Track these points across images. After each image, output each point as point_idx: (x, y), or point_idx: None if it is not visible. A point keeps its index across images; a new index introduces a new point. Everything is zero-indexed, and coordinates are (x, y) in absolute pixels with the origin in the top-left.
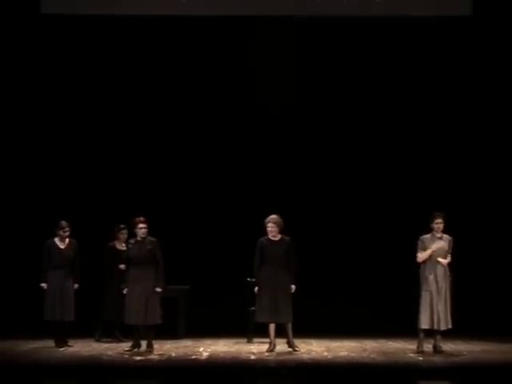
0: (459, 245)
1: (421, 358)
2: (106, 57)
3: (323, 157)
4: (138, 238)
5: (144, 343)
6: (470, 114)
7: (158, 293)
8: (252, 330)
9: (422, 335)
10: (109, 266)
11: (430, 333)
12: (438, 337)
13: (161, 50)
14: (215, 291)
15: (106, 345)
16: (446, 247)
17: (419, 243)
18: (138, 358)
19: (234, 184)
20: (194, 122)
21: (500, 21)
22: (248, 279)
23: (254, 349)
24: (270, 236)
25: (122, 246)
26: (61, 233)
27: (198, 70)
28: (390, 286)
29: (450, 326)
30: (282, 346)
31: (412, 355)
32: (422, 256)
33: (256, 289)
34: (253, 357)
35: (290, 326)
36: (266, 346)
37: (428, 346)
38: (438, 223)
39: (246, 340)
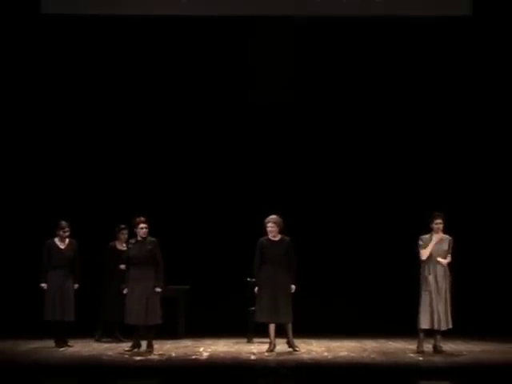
0: (459, 245)
1: (421, 358)
2: (106, 57)
3: (323, 157)
4: (139, 238)
5: (144, 343)
6: (470, 113)
7: (158, 293)
8: (252, 330)
9: (421, 335)
10: (109, 266)
11: (430, 333)
12: (438, 337)
13: (161, 50)
14: (215, 291)
15: (106, 345)
16: (446, 247)
17: (420, 242)
18: (138, 358)
19: (234, 184)
20: (194, 122)
21: (500, 21)
22: (248, 279)
23: (254, 349)
24: (269, 236)
25: (122, 246)
26: (61, 233)
27: (198, 70)
28: (390, 286)
29: (450, 326)
30: (282, 346)
31: (412, 355)
32: (424, 252)
33: (256, 289)
34: (253, 357)
35: (290, 326)
36: (266, 346)
37: (428, 346)
38: (438, 223)
39: (246, 340)
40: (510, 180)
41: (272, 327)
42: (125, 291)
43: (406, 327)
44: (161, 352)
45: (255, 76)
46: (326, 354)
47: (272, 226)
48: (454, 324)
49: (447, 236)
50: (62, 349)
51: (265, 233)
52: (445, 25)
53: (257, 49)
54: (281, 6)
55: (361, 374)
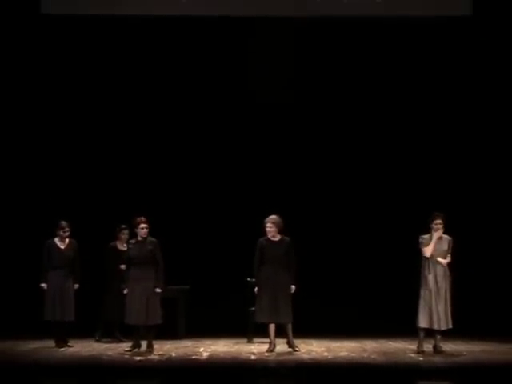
0: (459, 245)
1: (421, 358)
2: (106, 57)
3: (323, 157)
4: (139, 238)
5: (144, 343)
6: (470, 113)
7: (159, 293)
8: (252, 330)
9: (421, 335)
10: (110, 266)
11: (430, 333)
12: (438, 337)
13: (161, 50)
14: (215, 291)
15: (106, 345)
16: (446, 247)
17: (421, 240)
18: (138, 358)
19: (234, 184)
20: (194, 123)
21: (500, 21)
22: (248, 279)
23: (254, 349)
24: (269, 236)
25: (123, 246)
26: (61, 233)
27: (198, 70)
28: (390, 286)
29: (450, 326)
30: (282, 346)
31: (412, 355)
32: (427, 249)
33: (256, 289)
34: (253, 357)
35: (290, 326)
36: (266, 346)
37: (428, 346)
38: (438, 223)
39: (246, 340)
40: (509, 180)
41: (272, 327)
42: (125, 291)
43: (405, 327)
44: (161, 352)
45: (255, 76)
46: (326, 354)
47: (270, 227)
48: (453, 324)
49: (447, 236)
50: (62, 349)
51: (264, 233)
52: (445, 25)
53: (257, 49)
54: (281, 6)
55: (361, 374)
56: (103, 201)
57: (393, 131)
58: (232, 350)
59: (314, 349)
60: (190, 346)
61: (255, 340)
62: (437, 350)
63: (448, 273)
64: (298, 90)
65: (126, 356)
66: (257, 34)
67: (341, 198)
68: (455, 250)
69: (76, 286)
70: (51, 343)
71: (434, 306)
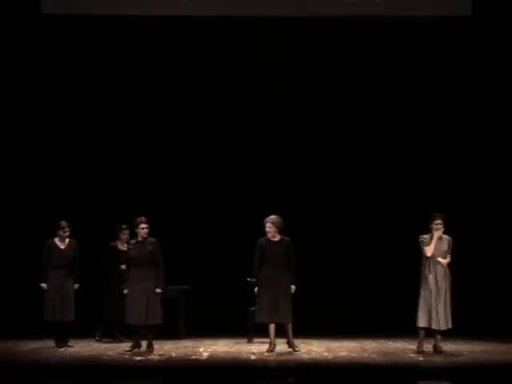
0: (459, 245)
1: (421, 359)
2: (106, 57)
3: (323, 157)
4: (139, 239)
5: (144, 343)
6: (470, 113)
7: (159, 293)
8: (252, 330)
9: (421, 335)
10: (110, 266)
11: (430, 333)
12: (438, 337)
13: (161, 50)
14: (215, 291)
15: (106, 345)
16: (446, 247)
17: (422, 240)
18: (139, 358)
19: (234, 184)
20: (194, 123)
21: (500, 21)
22: (248, 279)
23: (254, 349)
24: (269, 236)
25: (123, 247)
26: (61, 233)
27: (198, 71)
28: (390, 286)
29: (449, 326)
30: (282, 346)
31: (412, 355)
32: (429, 249)
33: (256, 289)
34: (253, 357)
35: (290, 326)
36: (266, 346)
37: (428, 346)
38: (438, 224)
39: (246, 340)
40: (509, 180)
41: (272, 327)
42: (125, 291)
43: (405, 327)
44: (161, 352)
45: (255, 76)
46: (326, 354)
47: (270, 227)
48: (453, 324)
49: (446, 236)
50: (62, 349)
51: (264, 233)
52: (445, 25)
53: (257, 49)
54: (281, 6)
55: (361, 374)
56: (104, 201)
57: (393, 131)
58: (232, 350)
59: (314, 349)
60: (190, 346)
61: (255, 340)
62: (437, 350)
63: (448, 273)
64: (297, 90)
65: (126, 356)
66: (257, 33)
67: (341, 198)
68: (455, 250)
69: (76, 286)
70: (51, 343)
71: (434, 305)
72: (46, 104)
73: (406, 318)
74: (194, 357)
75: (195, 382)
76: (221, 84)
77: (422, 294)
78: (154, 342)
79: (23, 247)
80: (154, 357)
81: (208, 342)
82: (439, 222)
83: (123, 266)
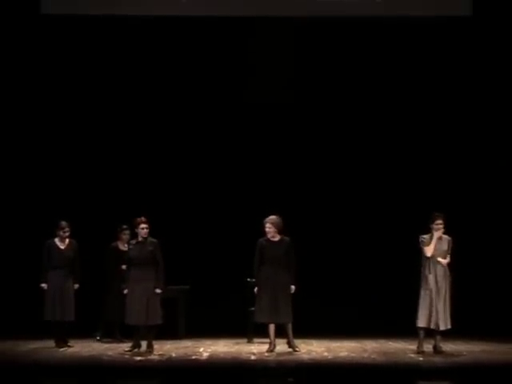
0: (459, 245)
1: (421, 359)
2: (106, 57)
3: (323, 157)
4: (140, 239)
5: (144, 343)
6: (470, 114)
7: (159, 293)
8: (252, 331)
9: (421, 335)
10: (111, 266)
11: (430, 333)
12: (438, 337)
13: (161, 51)
14: (215, 291)
15: (106, 345)
16: (446, 247)
17: (422, 240)
18: (139, 358)
19: (234, 184)
20: (195, 123)
21: (500, 21)
22: (248, 279)
23: (254, 349)
24: (268, 236)
25: (124, 247)
26: (61, 233)
27: (198, 71)
28: (390, 286)
29: (449, 326)
30: (282, 346)
31: (412, 355)
32: (429, 249)
33: (256, 289)
34: (253, 357)
35: (290, 326)
36: (266, 347)
37: (428, 347)
38: (439, 224)
39: (246, 340)
40: (509, 180)
41: (272, 327)
42: (125, 291)
43: (405, 327)
44: (161, 352)
45: (255, 76)
46: (326, 354)
47: (269, 227)
48: (453, 324)
49: (446, 236)
50: (62, 349)
51: (264, 233)
52: (445, 25)
53: (257, 49)
54: (281, 6)
55: (361, 375)
56: (104, 201)
57: (393, 131)
58: (232, 350)
59: (314, 349)
60: (190, 346)
61: (255, 340)
62: (437, 350)
63: (448, 273)
64: (298, 90)
65: (126, 356)
66: (257, 34)
67: (341, 198)
68: (455, 250)
69: (76, 286)
70: (51, 343)
71: (434, 305)
72: (46, 104)
73: (406, 318)
74: (194, 357)
75: (195, 382)
76: (221, 84)
77: (422, 294)
78: (154, 342)
79: (23, 247)
80: (154, 357)
81: (208, 342)
82: (440, 222)
83: (124, 266)
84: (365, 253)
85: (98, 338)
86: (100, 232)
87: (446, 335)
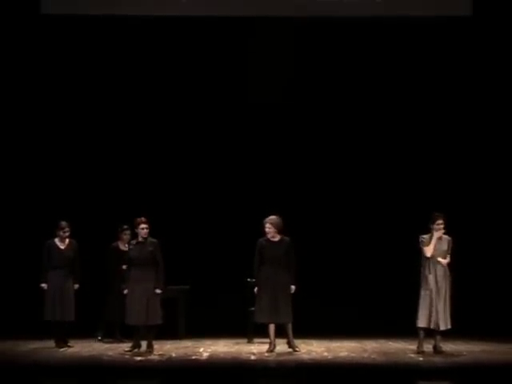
0: (459, 245)
1: (421, 359)
2: (106, 57)
3: (323, 157)
4: (140, 239)
5: (144, 343)
6: (470, 114)
7: (159, 294)
8: (252, 331)
9: (421, 335)
10: (112, 266)
11: (430, 333)
12: (438, 337)
13: (161, 51)
14: (215, 291)
15: (107, 345)
16: (445, 247)
17: (421, 240)
18: (139, 358)
19: (234, 185)
20: (194, 123)
21: (500, 21)
22: (248, 280)
23: (254, 349)
24: (268, 237)
25: (125, 247)
26: (61, 233)
27: (198, 71)
28: (390, 286)
29: (449, 327)
30: (282, 346)
31: (412, 355)
32: (428, 249)
33: (256, 289)
34: (253, 357)
35: (290, 326)
36: (266, 347)
37: (428, 347)
38: (440, 224)
39: (246, 340)
40: (509, 180)
41: (272, 327)
42: (125, 291)
43: (405, 327)
44: (161, 352)
45: (255, 76)
46: (326, 354)
47: (269, 227)
48: (453, 324)
49: (446, 236)
50: (62, 349)
51: (264, 233)
52: (445, 25)
53: (257, 49)
54: (281, 6)
55: (361, 375)
56: (105, 201)
57: (393, 131)
58: (232, 350)
59: (314, 349)
60: (190, 346)
61: (255, 340)
62: (437, 350)
63: (448, 273)
64: (298, 90)
65: (127, 356)
66: (257, 34)
67: (341, 198)
68: (455, 250)
69: (76, 286)
70: (51, 343)
71: (434, 305)
72: (46, 104)
73: (406, 318)
74: (194, 357)
75: (195, 382)
76: (221, 84)
77: (422, 294)
78: (154, 342)
79: (23, 247)
80: (154, 357)
81: (208, 342)
82: (441, 222)
83: (124, 267)
84: (365, 253)
85: (100, 338)
86: (101, 232)
87: (446, 335)
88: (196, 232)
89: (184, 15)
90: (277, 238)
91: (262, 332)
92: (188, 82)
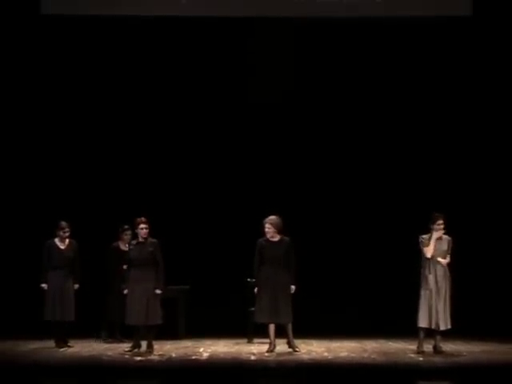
0: (459, 245)
1: (421, 359)
2: (106, 57)
3: (323, 157)
4: (140, 239)
5: (144, 343)
6: (470, 114)
7: (159, 294)
8: (252, 331)
9: (421, 335)
10: (112, 266)
11: (430, 333)
12: (438, 337)
13: (161, 51)
14: (215, 292)
15: (106, 345)
16: (445, 247)
17: (421, 240)
18: (139, 358)
19: (234, 185)
20: (194, 123)
21: (500, 21)
22: (248, 280)
23: (254, 349)
24: (268, 237)
25: (125, 247)
26: (61, 233)
27: (198, 71)
28: (390, 286)
29: (449, 327)
30: (282, 346)
31: (412, 355)
32: (428, 249)
33: (256, 289)
34: (253, 357)
35: (290, 326)
36: (266, 347)
37: (428, 347)
38: (440, 224)
39: (246, 340)
40: (509, 180)
41: (272, 327)
42: (125, 292)
43: (406, 327)
44: (161, 352)
45: (255, 76)
46: (326, 354)
47: (269, 227)
48: (453, 324)
49: (446, 236)
50: (62, 349)
51: (264, 233)
52: (445, 25)
53: (257, 50)
54: (280, 7)
55: (361, 375)
56: (106, 201)
57: (393, 131)
58: (232, 350)
59: (314, 349)
60: (190, 347)
61: (255, 340)
62: (437, 350)
63: (448, 273)
64: (297, 90)
65: (126, 356)
66: (257, 34)
67: (341, 198)
68: (455, 250)
69: (76, 286)
70: (51, 343)
71: (434, 306)
72: (46, 104)
73: (406, 317)
74: (194, 357)
75: (195, 382)
76: (221, 84)
77: (423, 294)
78: (154, 342)
79: (23, 247)
80: (154, 357)
81: (208, 342)
82: (441, 222)
83: (125, 267)
84: (365, 253)
85: (104, 338)
86: (101, 232)
87: (446, 335)
88: (196, 232)
89: (184, 15)
90: (276, 238)
91: (262, 332)
92: (188, 83)
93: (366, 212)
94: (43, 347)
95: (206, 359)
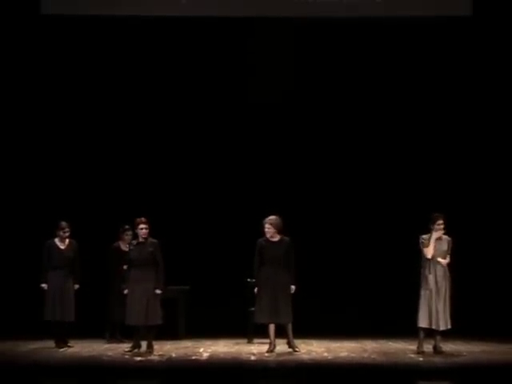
0: (459, 245)
1: (421, 359)
2: (106, 57)
3: (323, 157)
4: (140, 239)
5: (144, 344)
6: (470, 114)
7: (159, 294)
8: (252, 331)
9: (422, 335)
10: (113, 266)
11: (430, 333)
12: (438, 337)
13: (161, 51)
14: (215, 292)
15: (107, 345)
16: (445, 247)
17: (421, 241)
18: (139, 358)
19: (234, 185)
20: (194, 123)
21: (500, 21)
22: (248, 280)
23: (254, 349)
24: (267, 237)
25: (126, 247)
26: (61, 233)
27: (198, 71)
28: (390, 286)
29: (449, 327)
30: (282, 346)
31: (412, 356)
32: (429, 250)
33: (256, 289)
34: (253, 357)
35: (290, 326)
36: (266, 347)
37: (428, 347)
38: (440, 224)
39: (246, 340)
40: (509, 180)
41: (272, 328)
42: (125, 292)
43: (406, 327)
44: (161, 352)
45: (255, 76)
46: (326, 354)
47: (268, 227)
48: (453, 324)
49: (446, 236)
50: (62, 349)
51: (264, 233)
52: (445, 25)
53: (256, 49)
54: (281, 6)
55: (361, 375)
56: (106, 201)
57: (393, 131)
58: (232, 350)
59: (314, 349)
60: (190, 347)
61: (255, 340)
62: (437, 351)
63: (448, 273)
64: (297, 90)
65: (126, 356)
66: (257, 34)
67: (341, 198)
68: (455, 250)
69: (76, 286)
70: (51, 343)
71: (434, 306)
72: (46, 104)
73: (406, 317)
74: (194, 357)
75: (195, 382)
76: (221, 84)
77: (423, 294)
78: (154, 342)
79: (23, 247)
80: (154, 357)
81: (208, 342)
82: (441, 222)
83: (125, 267)
84: (365, 253)
85: (108, 338)
86: (101, 232)
87: (446, 335)
88: (196, 232)
89: (184, 15)
90: (276, 238)
91: (262, 332)
92: (188, 83)
93: (365, 212)
94: (43, 347)
95: (206, 359)
